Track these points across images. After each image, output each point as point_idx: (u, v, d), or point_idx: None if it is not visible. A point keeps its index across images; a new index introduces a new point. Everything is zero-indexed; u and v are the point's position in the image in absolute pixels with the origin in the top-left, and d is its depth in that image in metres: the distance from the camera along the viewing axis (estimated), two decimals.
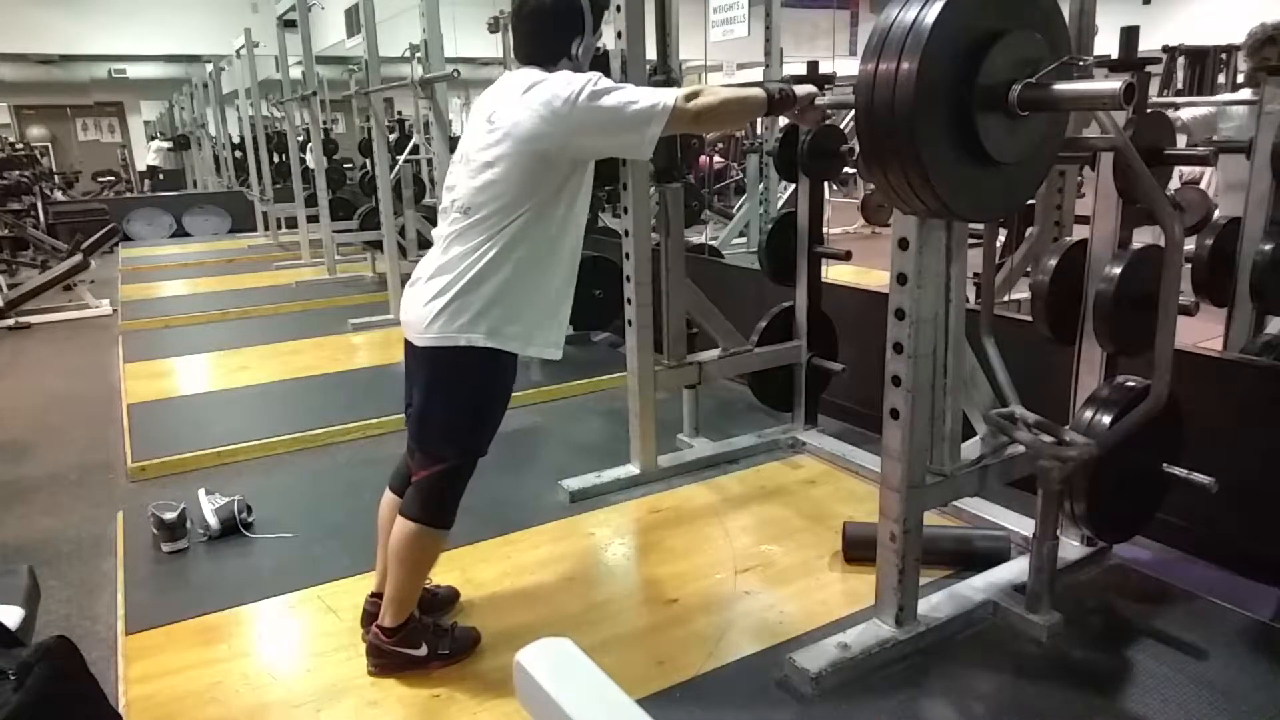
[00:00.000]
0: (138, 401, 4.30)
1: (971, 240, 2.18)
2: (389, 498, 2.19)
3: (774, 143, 3.60)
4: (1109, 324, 2.12)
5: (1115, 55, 2.11)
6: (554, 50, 2.02)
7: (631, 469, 3.17)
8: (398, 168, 5.76)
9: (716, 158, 10.25)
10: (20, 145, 13.48)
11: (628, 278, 3.00)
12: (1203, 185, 4.03)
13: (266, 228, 10.29)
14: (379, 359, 4.99)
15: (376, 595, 2.19)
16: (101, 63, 14.99)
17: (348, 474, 3.41)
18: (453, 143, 2.01)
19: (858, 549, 2.51)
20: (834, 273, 3.70)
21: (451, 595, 2.39)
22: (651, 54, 3.07)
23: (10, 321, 6.37)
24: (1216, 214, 3.46)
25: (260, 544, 2.80)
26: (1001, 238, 2.97)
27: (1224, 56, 7.55)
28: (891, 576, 2.11)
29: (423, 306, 1.96)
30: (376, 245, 6.76)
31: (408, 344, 2.04)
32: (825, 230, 3.44)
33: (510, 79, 1.99)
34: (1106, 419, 2.04)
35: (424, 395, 2.03)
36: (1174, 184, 3.92)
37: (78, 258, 6.82)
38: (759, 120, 5.87)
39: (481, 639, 2.19)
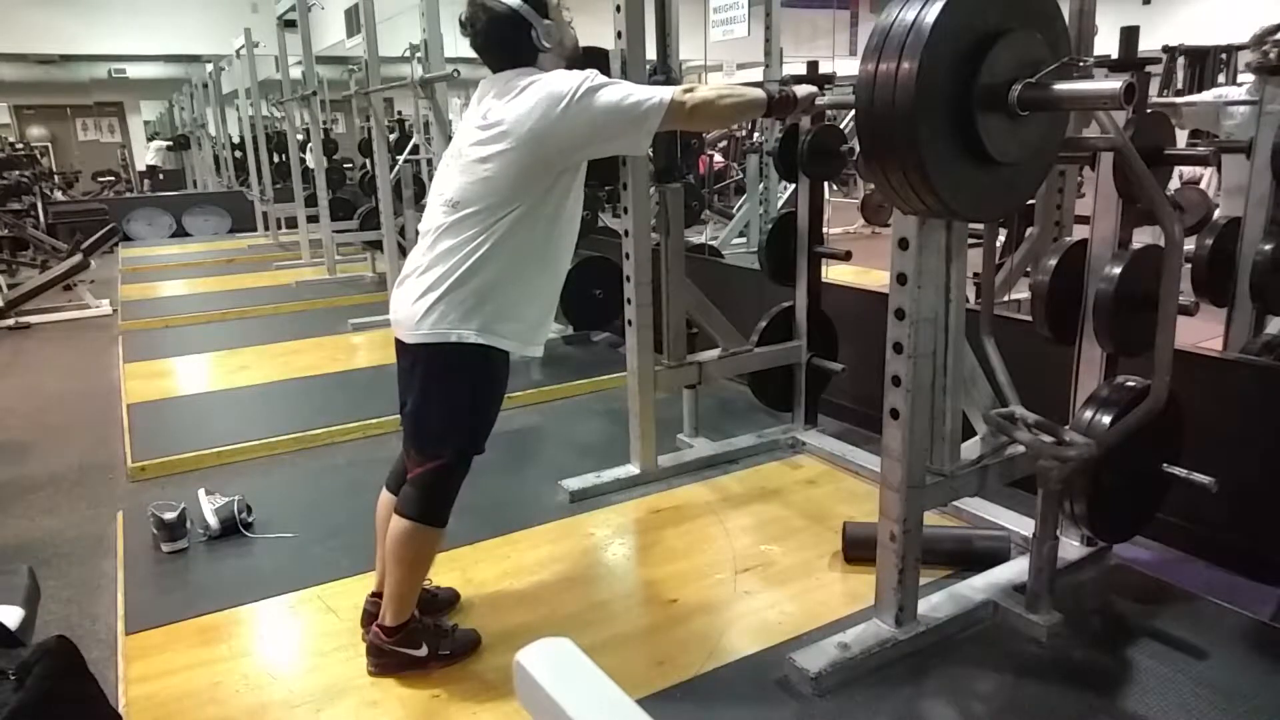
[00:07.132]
0: (138, 401, 4.30)
1: (971, 240, 2.18)
2: (386, 497, 2.19)
3: (774, 143, 3.59)
4: (1109, 324, 2.12)
5: (1115, 55, 2.11)
6: (521, 51, 1.97)
7: (631, 469, 3.17)
8: (398, 168, 5.75)
9: (716, 157, 10.24)
10: (20, 145, 13.46)
11: (628, 278, 3.00)
12: (1202, 185, 4.03)
13: (266, 228, 10.28)
14: (379, 359, 4.97)
15: (376, 595, 2.19)
16: (101, 63, 15.00)
17: (348, 474, 3.41)
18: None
19: (858, 549, 2.51)
20: (834, 273, 3.69)
21: (451, 597, 2.39)
22: (651, 54, 3.07)
23: (10, 321, 6.37)
24: (1216, 213, 3.45)
25: (260, 544, 2.80)
26: (1001, 238, 2.97)
27: (1224, 56, 7.56)
28: (891, 576, 2.11)
29: (412, 304, 1.95)
30: (376, 245, 6.76)
31: (399, 343, 2.03)
32: (825, 230, 3.44)
33: (507, 76, 1.96)
34: (1106, 419, 2.04)
35: (418, 394, 2.01)
36: (1174, 184, 3.91)
37: (78, 258, 6.82)
38: (758, 120, 5.87)
39: (482, 640, 2.18)
